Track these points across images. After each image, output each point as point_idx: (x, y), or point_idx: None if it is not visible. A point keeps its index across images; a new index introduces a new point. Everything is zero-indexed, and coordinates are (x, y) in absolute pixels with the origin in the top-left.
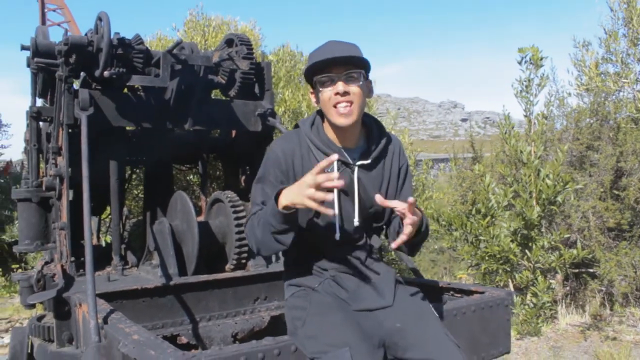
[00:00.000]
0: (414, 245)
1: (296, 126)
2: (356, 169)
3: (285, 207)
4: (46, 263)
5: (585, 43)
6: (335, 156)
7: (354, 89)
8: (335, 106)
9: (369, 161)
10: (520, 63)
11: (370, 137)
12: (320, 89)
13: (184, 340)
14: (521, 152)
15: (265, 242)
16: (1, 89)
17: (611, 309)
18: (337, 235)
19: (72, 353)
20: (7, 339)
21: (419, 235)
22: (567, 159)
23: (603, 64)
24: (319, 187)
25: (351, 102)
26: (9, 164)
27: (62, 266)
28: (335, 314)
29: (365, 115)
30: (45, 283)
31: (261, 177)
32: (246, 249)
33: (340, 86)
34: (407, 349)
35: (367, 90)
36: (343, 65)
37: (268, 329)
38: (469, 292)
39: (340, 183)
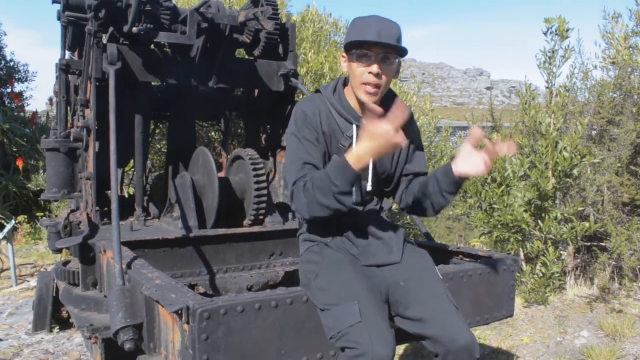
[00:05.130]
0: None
1: (317, 92)
2: None
3: (360, 167)
4: (72, 211)
5: (615, 15)
6: (379, 109)
7: (386, 72)
8: (364, 84)
9: None
10: (545, 34)
11: (386, 107)
12: (356, 62)
13: (201, 290)
14: (540, 123)
15: (324, 204)
16: (28, 40)
17: (620, 283)
18: (354, 197)
19: (96, 297)
20: (33, 282)
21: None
22: (587, 133)
23: (633, 37)
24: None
25: (380, 85)
26: (34, 114)
27: (87, 215)
28: (347, 269)
29: None
30: (72, 230)
31: (296, 137)
32: (264, 205)
33: (375, 68)
34: (408, 307)
35: (396, 71)
36: (383, 47)
37: (282, 284)
38: (477, 257)
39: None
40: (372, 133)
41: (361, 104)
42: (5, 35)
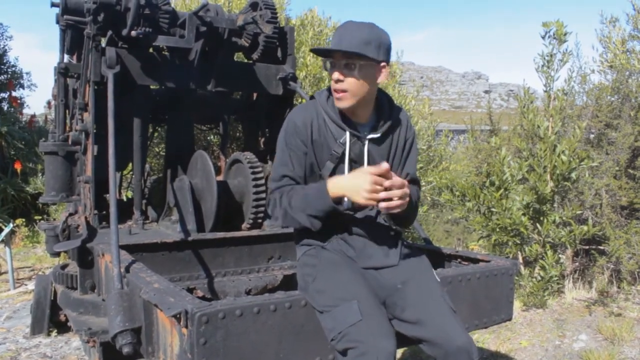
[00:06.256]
0: (402, 218)
1: (312, 97)
2: (366, 142)
3: (336, 196)
4: (70, 214)
5: (612, 19)
6: (386, 165)
7: (349, 78)
8: (334, 90)
9: (378, 135)
10: (543, 38)
11: (380, 112)
12: (329, 70)
13: (199, 293)
14: (538, 126)
15: (297, 219)
16: (26, 43)
17: (618, 286)
18: (346, 204)
19: (94, 300)
20: (30, 286)
21: (408, 209)
22: (584, 136)
23: (630, 41)
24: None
25: (345, 90)
26: (32, 117)
27: (85, 218)
28: (344, 271)
29: (378, 91)
30: (70, 233)
31: (282, 148)
32: (263, 209)
33: (335, 74)
34: (405, 310)
35: (374, 74)
36: (341, 54)
37: (280, 287)
38: (476, 260)
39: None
40: (357, 183)
41: (351, 109)
42: (11, 39)
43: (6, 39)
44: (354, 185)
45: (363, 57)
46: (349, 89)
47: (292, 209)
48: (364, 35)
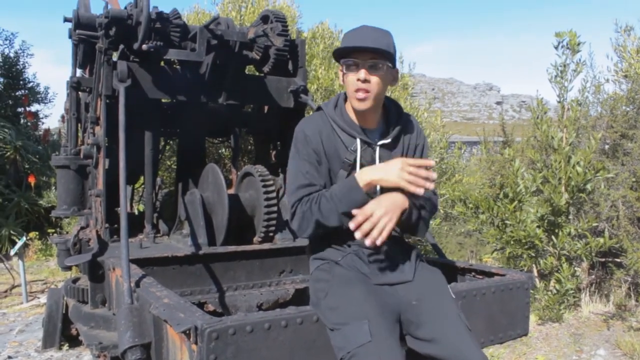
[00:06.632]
0: (409, 226)
1: (319, 109)
2: (377, 148)
3: (368, 185)
4: (82, 228)
5: (627, 27)
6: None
7: (374, 78)
8: (355, 90)
9: (389, 140)
10: (556, 48)
11: (389, 118)
12: (347, 72)
13: (210, 307)
14: (552, 137)
15: (328, 224)
16: (42, 58)
17: (636, 300)
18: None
19: (105, 314)
20: (43, 299)
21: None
22: (599, 147)
23: None
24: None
25: (369, 90)
26: (47, 131)
27: (97, 232)
28: (357, 288)
29: (385, 98)
30: (81, 247)
31: (296, 158)
32: (274, 222)
33: (362, 73)
34: (419, 327)
35: (392, 78)
36: (369, 53)
37: (292, 301)
38: (490, 274)
39: (431, 185)
40: (393, 165)
41: (361, 115)
42: (32, 56)
43: (27, 56)
44: (387, 167)
45: (390, 58)
46: (373, 89)
47: (322, 214)
48: (386, 39)
